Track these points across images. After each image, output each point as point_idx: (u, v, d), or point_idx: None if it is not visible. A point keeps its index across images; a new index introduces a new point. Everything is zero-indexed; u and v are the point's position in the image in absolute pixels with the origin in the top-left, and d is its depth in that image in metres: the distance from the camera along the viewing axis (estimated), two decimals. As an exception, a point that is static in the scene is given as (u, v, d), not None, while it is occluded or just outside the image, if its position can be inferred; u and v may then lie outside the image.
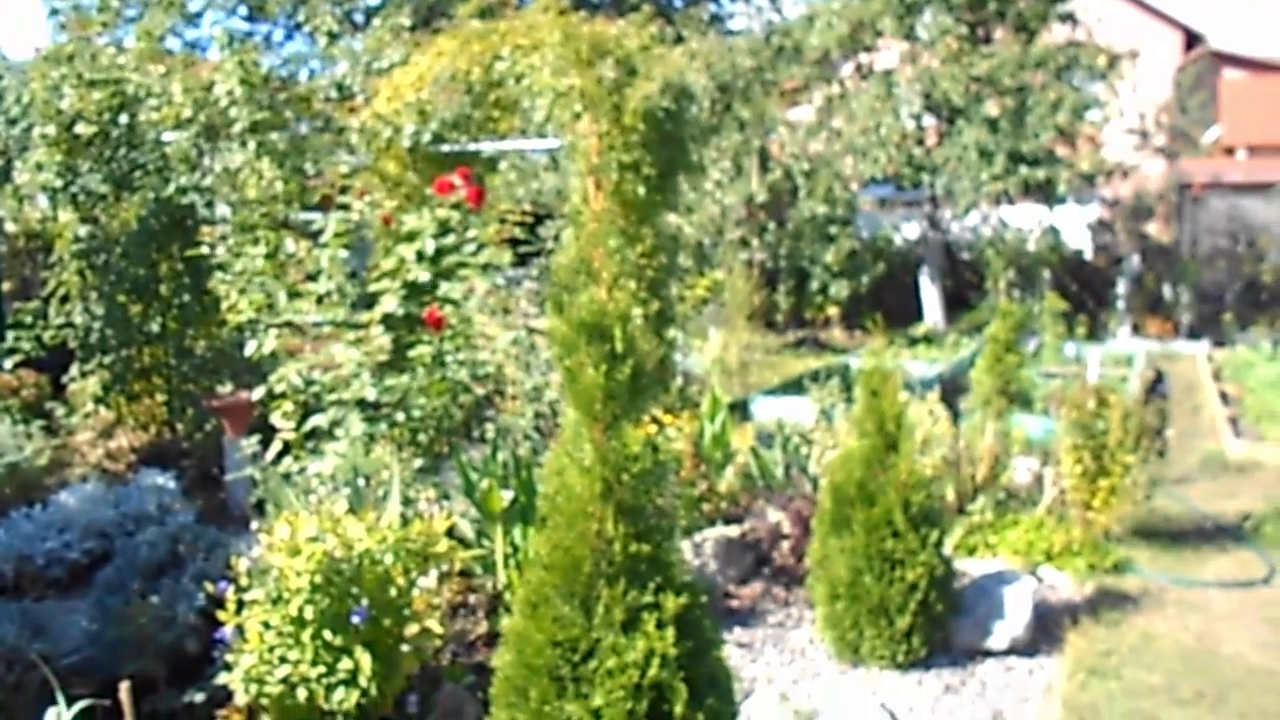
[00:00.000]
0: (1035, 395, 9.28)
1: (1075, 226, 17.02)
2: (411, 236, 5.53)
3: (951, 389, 9.28)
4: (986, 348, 7.13)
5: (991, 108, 15.45)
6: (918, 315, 16.52)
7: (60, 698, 3.56)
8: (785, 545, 6.07)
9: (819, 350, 14.97)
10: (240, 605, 3.96)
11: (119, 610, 4.46)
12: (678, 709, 2.59)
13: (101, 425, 7.78)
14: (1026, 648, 4.95)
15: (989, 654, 4.92)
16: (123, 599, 4.50)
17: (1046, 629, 5.16)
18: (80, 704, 3.49)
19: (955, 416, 7.32)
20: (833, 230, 15.98)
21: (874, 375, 4.88)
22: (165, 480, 6.50)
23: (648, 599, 2.67)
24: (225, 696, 4.02)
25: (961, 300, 16.66)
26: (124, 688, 3.50)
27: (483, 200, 5.57)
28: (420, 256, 5.50)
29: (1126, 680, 4.64)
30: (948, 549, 5.14)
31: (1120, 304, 16.29)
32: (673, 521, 2.77)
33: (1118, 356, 13.22)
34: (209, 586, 4.18)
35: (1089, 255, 17.26)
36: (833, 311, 16.14)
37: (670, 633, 2.63)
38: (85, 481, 6.60)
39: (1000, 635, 4.91)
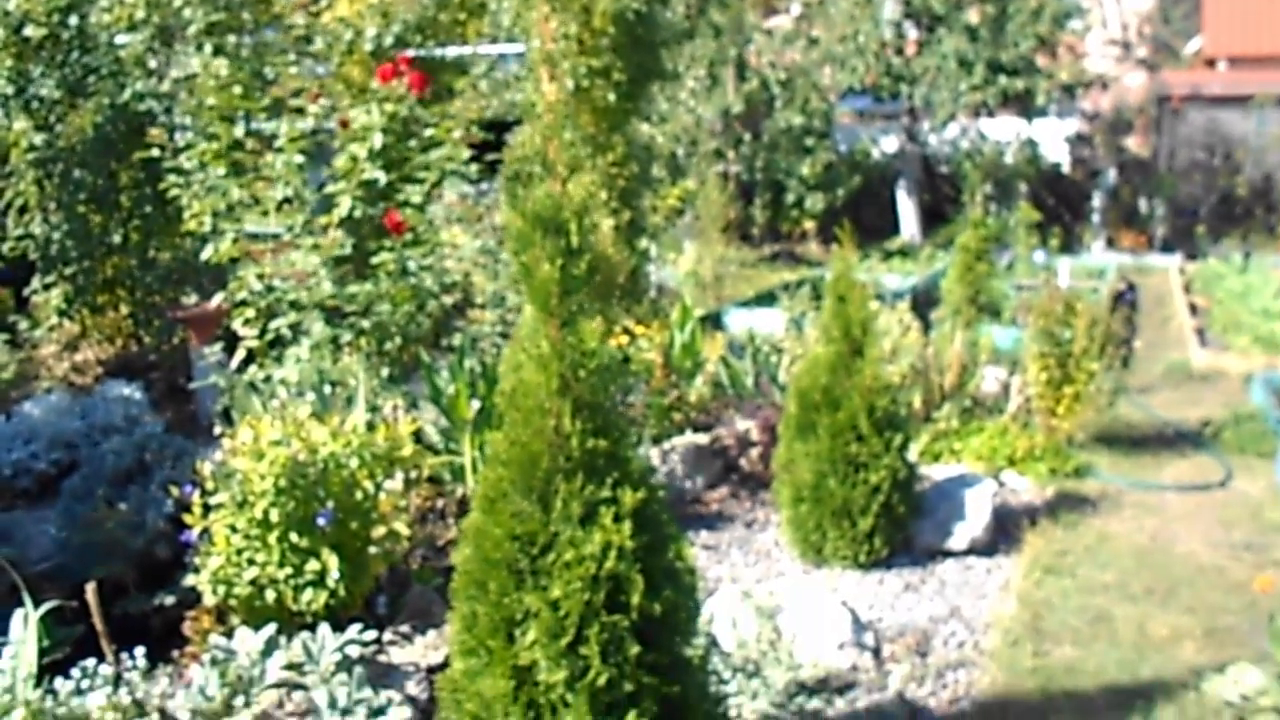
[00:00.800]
0: (1005, 306, 9.33)
1: (1053, 140, 16.91)
2: (363, 134, 5.41)
3: (925, 301, 9.30)
4: (957, 257, 7.15)
5: (972, 15, 15.19)
6: (894, 229, 16.49)
7: (27, 600, 3.58)
8: (753, 452, 6.14)
9: (794, 264, 14.95)
10: (206, 509, 3.97)
11: (86, 517, 4.47)
12: (634, 599, 2.63)
13: (66, 338, 7.70)
14: (985, 548, 5.06)
15: (949, 554, 5.02)
16: (90, 506, 4.50)
17: (1006, 531, 5.27)
18: (47, 605, 3.51)
19: (927, 328, 7.36)
20: (809, 142, 15.81)
21: (841, 281, 4.87)
22: (132, 391, 6.46)
23: (605, 494, 2.69)
24: (194, 599, 4.06)
25: (938, 214, 16.61)
26: (90, 588, 3.52)
27: (426, 86, 5.42)
28: (371, 154, 5.38)
29: (1081, 578, 4.76)
30: (912, 455, 5.21)
31: (1095, 217, 16.29)
32: (629, 421, 2.77)
33: (1090, 269, 13.28)
34: (175, 491, 4.19)
35: (1066, 169, 17.19)
36: (809, 225, 16.07)
37: (627, 526, 2.65)
38: (50, 394, 6.55)
39: (960, 536, 5.01)
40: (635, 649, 2.64)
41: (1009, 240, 12.54)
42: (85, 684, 3.50)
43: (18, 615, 3.49)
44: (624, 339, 6.53)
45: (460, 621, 2.76)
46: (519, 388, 2.69)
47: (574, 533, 2.65)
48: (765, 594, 4.40)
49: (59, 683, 3.47)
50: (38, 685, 3.39)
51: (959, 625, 4.37)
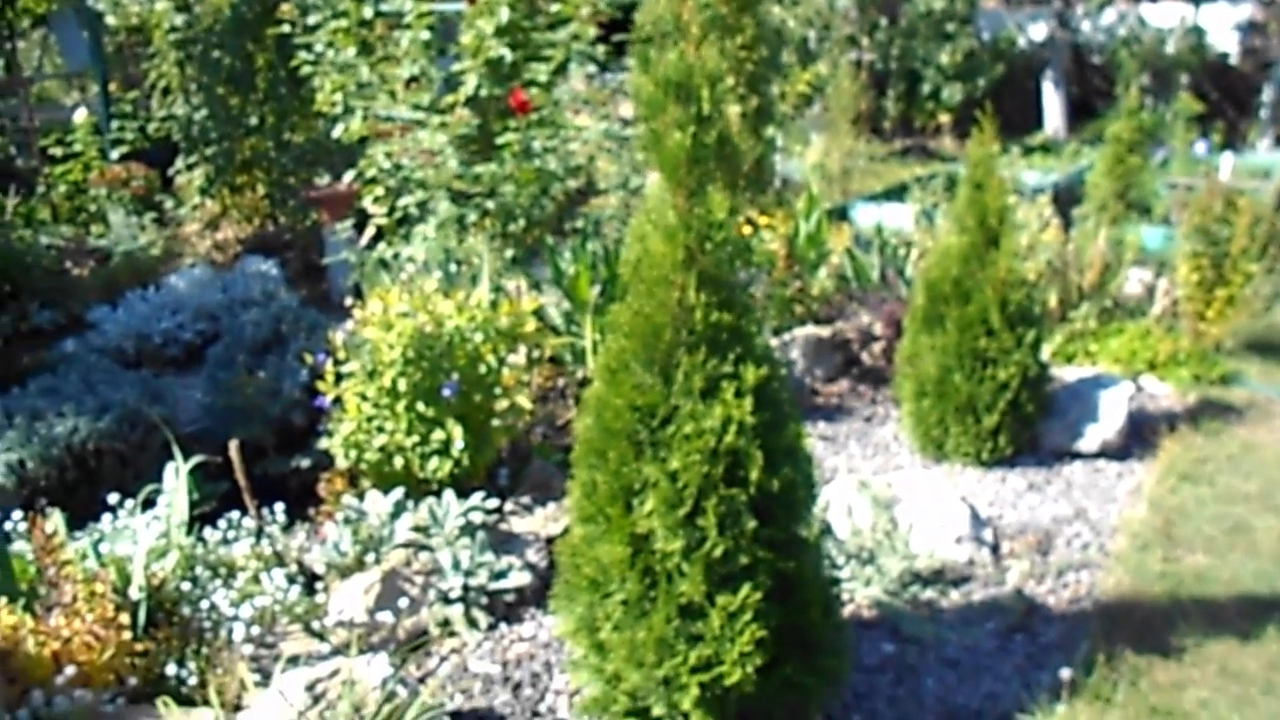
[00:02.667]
0: (1156, 204, 8.75)
1: (1222, 27, 15.55)
2: (489, 9, 5.34)
3: (1066, 200, 8.81)
4: (1108, 149, 6.71)
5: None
6: (1036, 124, 15.57)
7: (178, 454, 3.81)
8: (876, 346, 6.01)
9: (926, 159, 14.33)
10: (338, 378, 4.12)
11: (229, 382, 4.71)
12: (753, 475, 2.62)
13: (208, 217, 8.02)
14: (1117, 452, 4.86)
15: (1078, 456, 4.85)
16: (232, 373, 4.74)
17: (1141, 436, 5.04)
18: (196, 460, 3.73)
19: (1067, 225, 6.98)
20: (950, 28, 14.94)
21: (979, 167, 4.63)
22: (269, 268, 6.71)
23: (727, 369, 2.66)
24: (328, 463, 4.26)
25: (1086, 108, 15.59)
26: (233, 446, 3.72)
27: None
28: (497, 30, 5.32)
29: (1220, 487, 4.53)
30: (1045, 354, 5.00)
31: (1264, 113, 15.02)
32: (754, 304, 2.71)
33: (1255, 168, 12.30)
34: (309, 360, 4.36)
35: (1234, 59, 15.82)
36: (944, 118, 15.31)
37: (748, 402, 2.62)
38: (194, 268, 6.86)
39: (1091, 438, 4.83)
40: (752, 523, 2.64)
41: (1164, 135, 11.69)
42: (231, 534, 3.74)
43: (169, 468, 3.72)
44: (747, 229, 6.40)
45: (580, 489, 2.80)
46: (644, 258, 2.66)
47: (695, 406, 2.63)
48: (882, 485, 4.35)
49: (208, 532, 3.71)
50: (189, 533, 3.63)
51: (1084, 527, 4.24)
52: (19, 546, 3.40)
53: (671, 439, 2.64)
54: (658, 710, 2.72)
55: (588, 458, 2.77)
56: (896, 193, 10.26)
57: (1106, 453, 4.85)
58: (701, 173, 2.59)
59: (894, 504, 4.14)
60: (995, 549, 4.05)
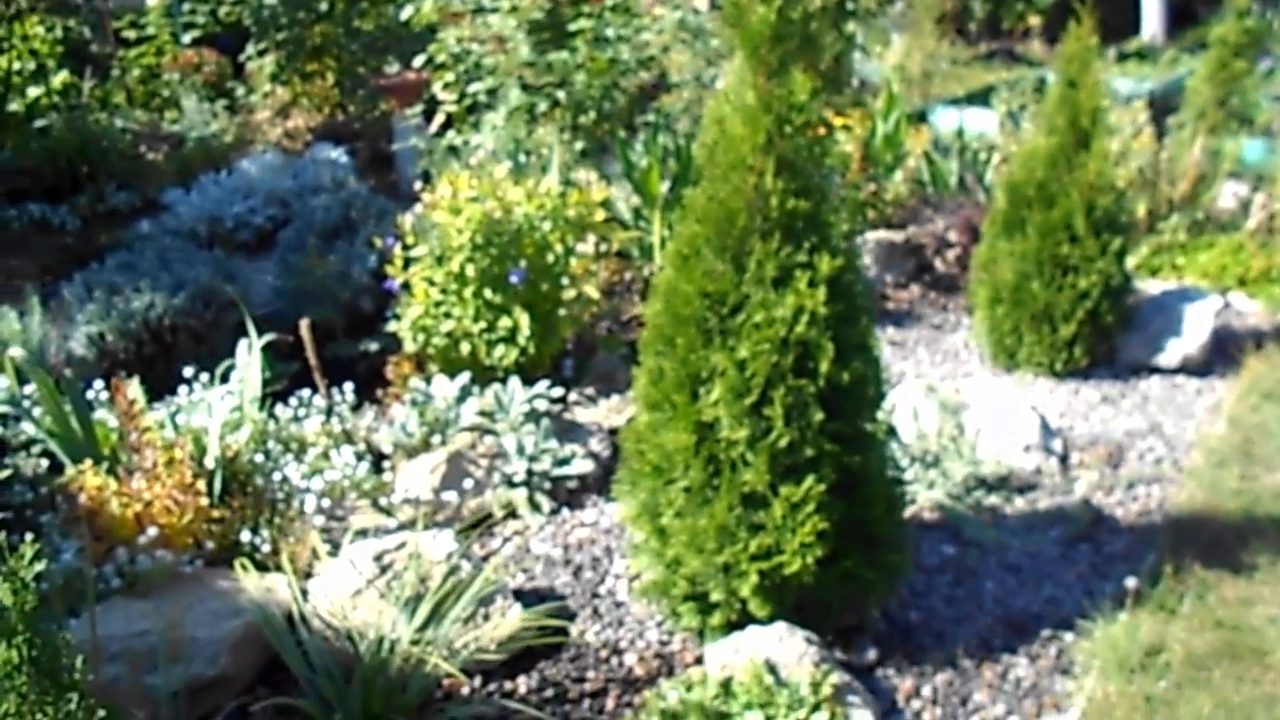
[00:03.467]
0: (1259, 115, 8.29)
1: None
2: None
3: (1161, 108, 8.38)
4: (1211, 53, 6.34)
5: None
6: (1133, 29, 14.79)
7: (252, 331, 3.88)
8: (949, 253, 5.85)
9: (1013, 63, 13.72)
10: (407, 262, 4.14)
11: (299, 265, 4.76)
12: (823, 366, 2.58)
13: (278, 105, 8.03)
14: (1199, 368, 4.70)
15: (1156, 370, 4.70)
16: (302, 256, 4.79)
17: (1225, 352, 4.86)
18: (268, 337, 3.79)
19: (1160, 135, 6.65)
20: (1045, -76, 14.16)
21: (1073, 63, 4.40)
22: (339, 155, 6.72)
23: (801, 257, 2.60)
24: (396, 346, 4.31)
25: (1186, 14, 14.74)
26: (304, 324, 3.77)
27: None
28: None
29: (1307, 407, 4.37)
30: (1129, 265, 4.82)
31: (1378, 23, 14.05)
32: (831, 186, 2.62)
33: (1367, 82, 11.57)
34: (378, 243, 4.37)
35: (1351, -36, 14.75)
36: (1034, 21, 14.59)
37: (821, 293, 2.57)
38: (266, 154, 6.90)
39: (1172, 353, 4.67)
40: (819, 416, 2.60)
41: (1271, 44, 11.01)
42: (301, 412, 3.81)
43: (242, 345, 3.79)
44: (821, 129, 6.22)
45: (647, 375, 2.79)
46: (721, 141, 2.58)
47: (766, 295, 2.58)
48: (950, 391, 4.28)
49: (279, 409, 3.79)
50: (261, 409, 3.71)
51: (1158, 441, 4.13)
52: (100, 415, 3.51)
53: (741, 327, 2.60)
54: (716, 596, 2.74)
55: (655, 344, 2.74)
56: (980, 97, 9.86)
57: (1187, 368, 4.69)
58: (784, 52, 2.49)
59: (961, 410, 4.07)
60: (1064, 459, 3.97)
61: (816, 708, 2.52)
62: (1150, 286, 5.17)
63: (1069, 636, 2.99)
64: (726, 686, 2.56)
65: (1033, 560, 3.36)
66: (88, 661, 1.34)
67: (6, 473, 3.08)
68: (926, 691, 2.79)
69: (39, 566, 1.29)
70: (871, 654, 2.88)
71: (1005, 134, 6.37)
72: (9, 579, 1.24)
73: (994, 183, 6.13)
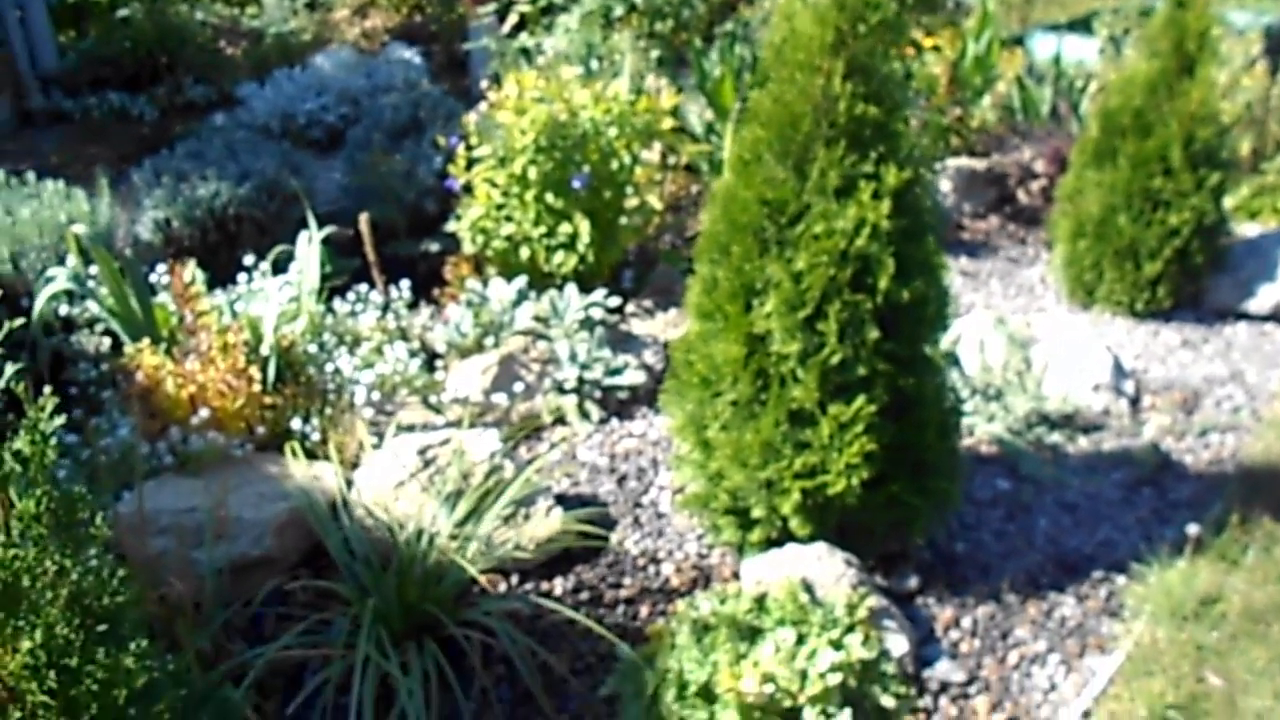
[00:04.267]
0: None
1: None
2: None
3: (1278, 44, 7.86)
4: (1337, -21, 5.85)
5: None
6: (1253, -40, 13.85)
7: (313, 224, 3.88)
8: (1034, 185, 5.60)
9: (1119, -8, 12.99)
10: (470, 163, 4.09)
11: (366, 162, 4.75)
12: (882, 283, 2.47)
13: (356, 3, 7.97)
14: (1292, 316, 4.46)
15: (1244, 317, 4.47)
16: (369, 153, 4.77)
17: (1322, 302, 4.59)
18: (328, 230, 3.79)
19: (1274, 71, 6.23)
20: None
21: (1183, -20, 4.10)
22: (412, 56, 6.66)
23: (867, 167, 2.48)
24: (455, 248, 4.29)
25: (1315, -56, 13.73)
26: (364, 218, 3.76)
27: None
28: None
29: (1406, 363, 4.12)
30: (1226, 204, 4.55)
31: None
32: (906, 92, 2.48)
33: None
34: (442, 141, 4.33)
35: None
36: (1146, -53, 13.77)
37: (886, 205, 2.45)
38: (340, 50, 6.86)
39: (1264, 298, 4.42)
40: (874, 334, 2.51)
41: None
42: (358, 307, 3.83)
43: (303, 236, 3.80)
44: (909, 50, 5.95)
45: (700, 284, 2.71)
46: (789, 40, 2.45)
47: (828, 205, 2.48)
48: (1020, 324, 4.12)
49: (336, 303, 3.81)
50: (319, 301, 3.73)
51: (1238, 389, 3.94)
52: (162, 299, 3.56)
53: (799, 238, 2.51)
54: (757, 512, 2.70)
55: (710, 252, 2.66)
56: (1082, 23, 9.36)
57: (1278, 316, 4.45)
58: (864, -56, 2.34)
59: (1030, 344, 3.92)
60: (1135, 401, 3.81)
61: (850, 629, 2.48)
62: (1247, 229, 4.89)
63: (1121, 580, 2.89)
64: (760, 602, 2.53)
65: (1091, 501, 3.24)
66: (110, 521, 1.34)
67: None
68: (966, 623, 2.73)
69: (59, 421, 1.29)
70: (913, 581, 2.82)
71: (1105, 61, 6.03)
72: (29, 430, 1.24)
73: (1088, 113, 5.82)
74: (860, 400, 2.52)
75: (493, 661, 2.53)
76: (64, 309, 3.58)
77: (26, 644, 1.17)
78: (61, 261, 3.57)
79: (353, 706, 2.21)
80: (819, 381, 2.52)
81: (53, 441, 1.27)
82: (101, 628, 1.36)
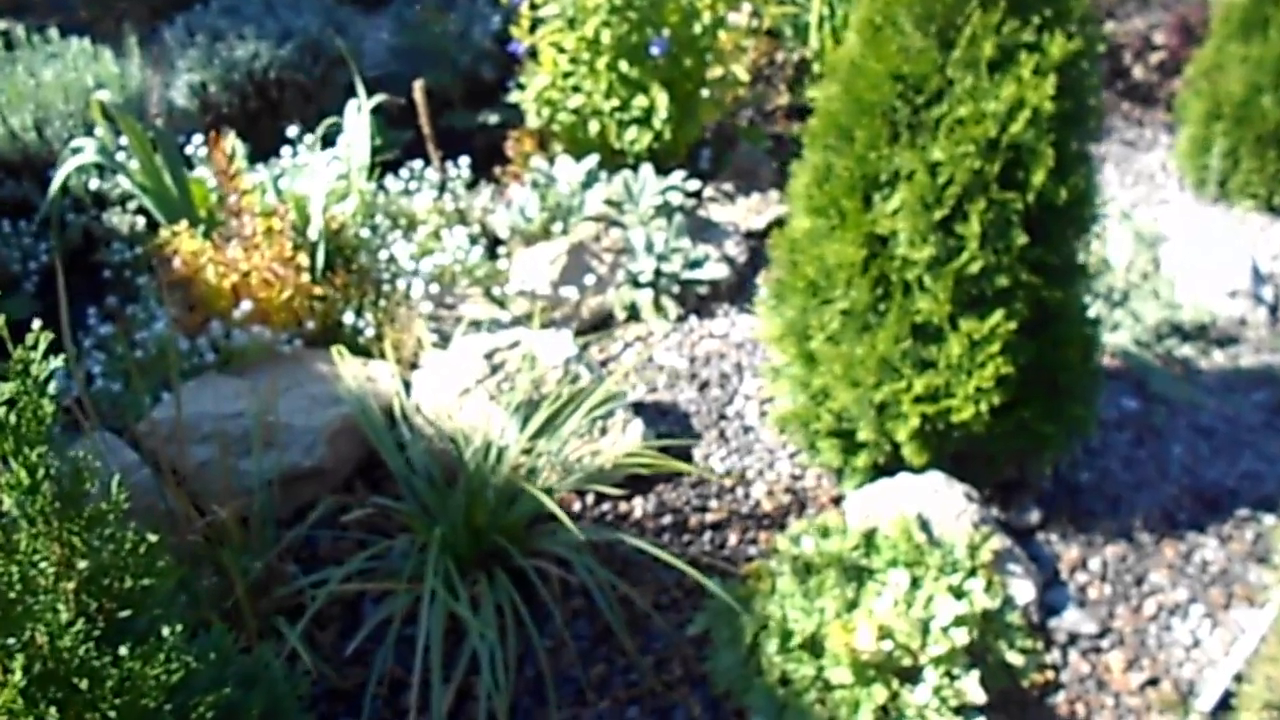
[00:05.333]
0: None
1: None
2: None
3: None
4: None
5: None
6: None
7: (361, 92, 3.50)
8: (1152, 58, 5.02)
9: None
10: (534, 24, 3.66)
11: (415, 19, 4.32)
12: (1037, 178, 2.08)
13: None
14: None
15: (1396, 214, 3.99)
16: (418, 10, 4.34)
17: None
18: (379, 98, 3.42)
19: None
20: None
21: None
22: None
23: (1028, 36, 2.06)
24: (518, 120, 3.90)
25: None
26: (418, 85, 3.39)
27: None
28: None
29: None
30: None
31: None
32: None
33: None
34: (504, 0, 3.88)
35: None
36: None
37: (1049, 84, 2.04)
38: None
39: None
40: (1022, 239, 2.13)
41: None
42: (413, 185, 3.48)
43: (351, 105, 3.43)
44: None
45: (810, 174, 2.34)
46: (943, -127, 2.00)
47: (977, 82, 2.07)
48: (1147, 219, 3.69)
49: (389, 181, 3.47)
50: (369, 178, 3.39)
51: (1390, 299, 3.51)
52: (201, 173, 3.24)
53: (939, 121, 2.11)
54: (865, 435, 2.38)
55: (826, 135, 2.27)
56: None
57: None
58: None
59: (1159, 242, 3.50)
60: (1275, 310, 3.41)
61: (972, 573, 2.19)
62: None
63: (1269, 519, 2.57)
64: (869, 539, 2.24)
65: (1230, 425, 2.89)
66: (123, 482, 1.06)
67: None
68: (1094, 565, 2.44)
69: (56, 362, 0.99)
70: (1034, 515, 2.52)
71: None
72: (19, 376, 0.95)
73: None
74: (998, 315, 2.17)
75: (569, 594, 2.28)
76: (94, 183, 3.28)
77: (19, 663, 0.91)
78: (89, 131, 3.24)
79: (419, 646, 1.98)
80: (951, 292, 2.17)
81: (51, 388, 0.98)
82: (124, 613, 1.09)
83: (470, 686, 2.09)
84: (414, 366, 2.81)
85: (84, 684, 0.98)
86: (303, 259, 2.78)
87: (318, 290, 2.83)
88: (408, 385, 2.68)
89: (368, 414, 2.44)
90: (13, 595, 0.91)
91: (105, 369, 2.64)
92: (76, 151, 2.96)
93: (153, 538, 1.15)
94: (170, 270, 2.67)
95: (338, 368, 2.61)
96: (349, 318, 2.83)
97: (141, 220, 3.13)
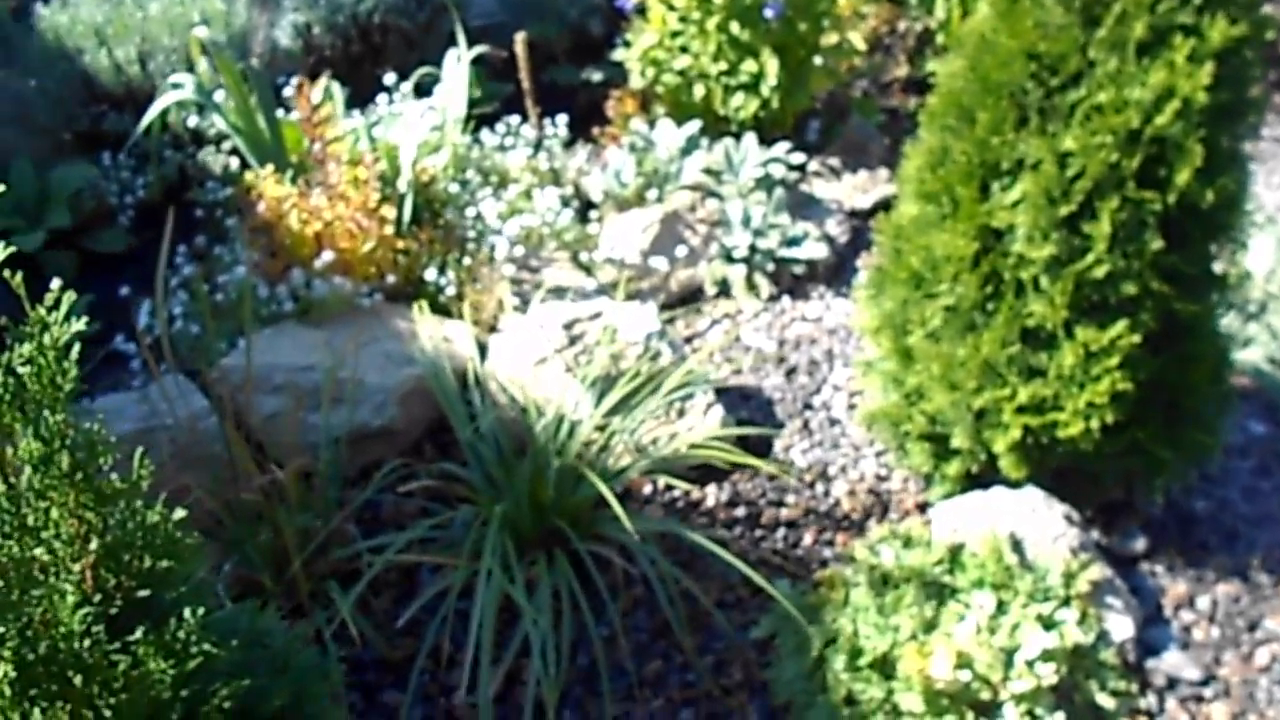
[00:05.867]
0: None
1: None
2: None
3: None
4: None
5: None
6: None
7: (462, 40, 3.41)
8: (1315, 46, 4.61)
9: None
10: (645, -21, 3.51)
11: (527, -30, 4.21)
12: (1181, 177, 1.86)
13: None
14: None
15: None
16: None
17: None
18: (479, 49, 3.32)
19: None
20: None
21: None
22: None
23: (1184, 18, 1.83)
24: (621, 80, 3.77)
25: None
26: (520, 37, 3.28)
27: None
28: None
29: None
30: None
31: None
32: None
33: None
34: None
35: None
36: None
37: (1205, 72, 1.81)
38: None
39: None
40: (1157, 244, 1.93)
41: None
42: (508, 141, 3.40)
43: (450, 55, 3.35)
44: None
45: (924, 156, 2.15)
46: None
47: (1123, 65, 1.86)
48: (1296, 225, 3.37)
49: (484, 135, 3.39)
50: (464, 131, 3.31)
51: None
52: (296, 116, 3.20)
53: (1074, 107, 1.91)
54: (959, 443, 2.21)
55: (946, 115, 2.09)
56: None
57: None
58: None
59: (1307, 251, 3.19)
60: None
61: (1066, 603, 2.02)
62: None
63: None
64: (955, 555, 2.08)
65: (1372, 460, 2.62)
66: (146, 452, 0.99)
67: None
68: (1203, 604, 2.23)
69: (78, 325, 0.91)
70: (1140, 543, 2.32)
71: None
72: (36, 337, 0.88)
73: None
74: (1120, 325, 1.97)
75: (630, 582, 2.19)
76: (193, 120, 3.28)
77: (9, 651, 0.84)
78: (192, 67, 3.23)
79: (474, 624, 1.91)
80: (1070, 296, 1.98)
81: (74, 354, 0.90)
82: (143, 593, 1.03)
83: (520, 670, 2.01)
84: (493, 329, 2.73)
85: (80, 678, 0.92)
86: (388, 211, 2.72)
87: (402, 244, 2.77)
88: (484, 349, 2.60)
89: (440, 376, 2.37)
90: (12, 576, 0.85)
91: (185, 310, 2.63)
92: (176, 87, 2.95)
93: (180, 513, 1.09)
94: (255, 214, 2.64)
95: (416, 326, 2.55)
96: (431, 274, 2.76)
97: (235, 161, 3.11)
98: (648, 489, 2.41)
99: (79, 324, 0.91)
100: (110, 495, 0.92)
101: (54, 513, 0.91)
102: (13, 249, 0.92)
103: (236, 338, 2.52)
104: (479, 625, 1.92)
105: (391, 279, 2.74)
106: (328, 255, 2.59)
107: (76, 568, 0.99)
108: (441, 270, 2.79)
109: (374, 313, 2.66)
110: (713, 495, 2.41)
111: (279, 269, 2.64)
